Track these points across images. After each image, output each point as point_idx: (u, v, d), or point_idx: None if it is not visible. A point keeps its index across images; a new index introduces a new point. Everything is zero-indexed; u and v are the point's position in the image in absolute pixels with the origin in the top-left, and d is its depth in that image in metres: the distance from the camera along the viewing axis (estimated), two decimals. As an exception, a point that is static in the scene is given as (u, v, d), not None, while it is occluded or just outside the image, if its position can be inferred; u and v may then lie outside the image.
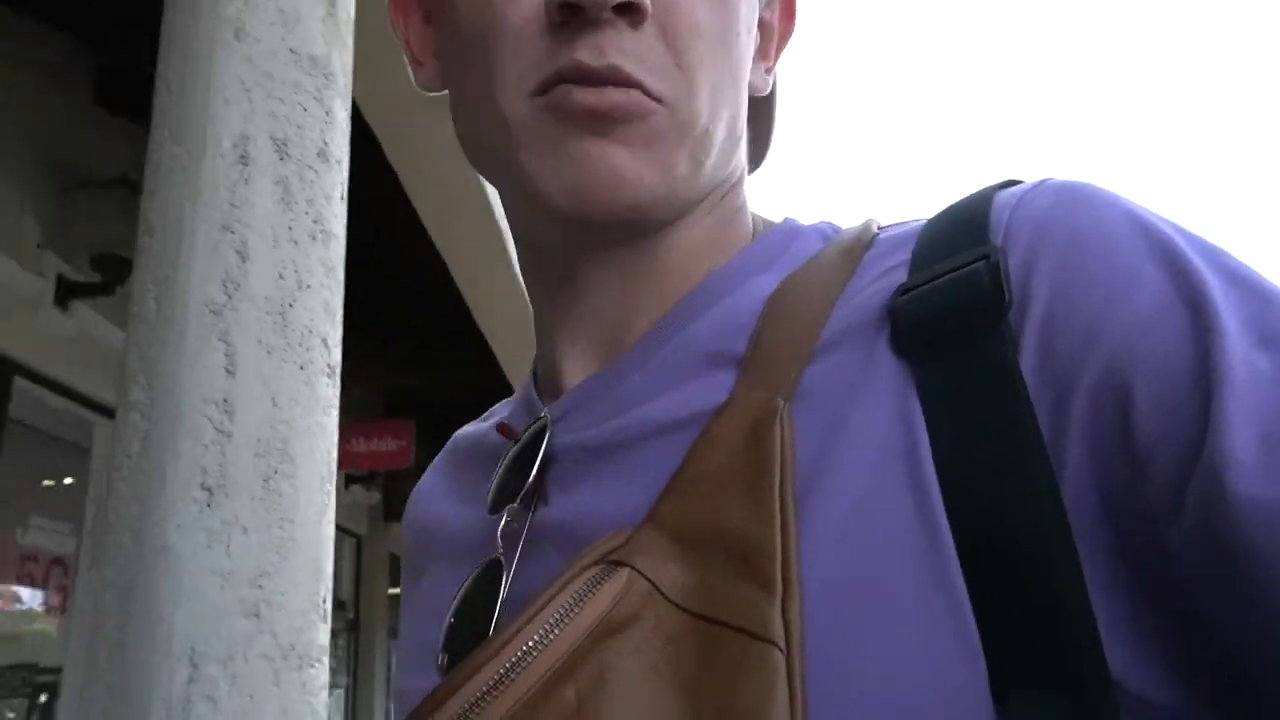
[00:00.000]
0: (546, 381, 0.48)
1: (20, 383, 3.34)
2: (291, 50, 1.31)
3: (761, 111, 0.52)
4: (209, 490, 1.12)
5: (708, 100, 0.41)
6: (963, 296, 0.35)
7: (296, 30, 1.32)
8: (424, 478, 0.56)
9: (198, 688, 1.06)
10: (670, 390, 0.40)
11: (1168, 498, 0.29)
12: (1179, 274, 0.33)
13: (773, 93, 0.51)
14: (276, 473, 1.16)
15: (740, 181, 0.48)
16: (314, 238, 1.27)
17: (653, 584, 0.33)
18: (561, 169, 0.39)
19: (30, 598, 3.54)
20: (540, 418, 0.43)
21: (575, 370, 0.45)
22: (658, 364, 0.42)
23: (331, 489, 1.25)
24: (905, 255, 0.39)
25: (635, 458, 0.39)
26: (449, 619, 0.41)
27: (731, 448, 0.36)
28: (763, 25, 0.49)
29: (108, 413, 3.71)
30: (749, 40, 0.45)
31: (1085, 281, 0.33)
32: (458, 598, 0.42)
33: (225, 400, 1.16)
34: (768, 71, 0.49)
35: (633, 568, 0.34)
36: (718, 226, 0.46)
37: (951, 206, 0.40)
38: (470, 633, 0.40)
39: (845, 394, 0.36)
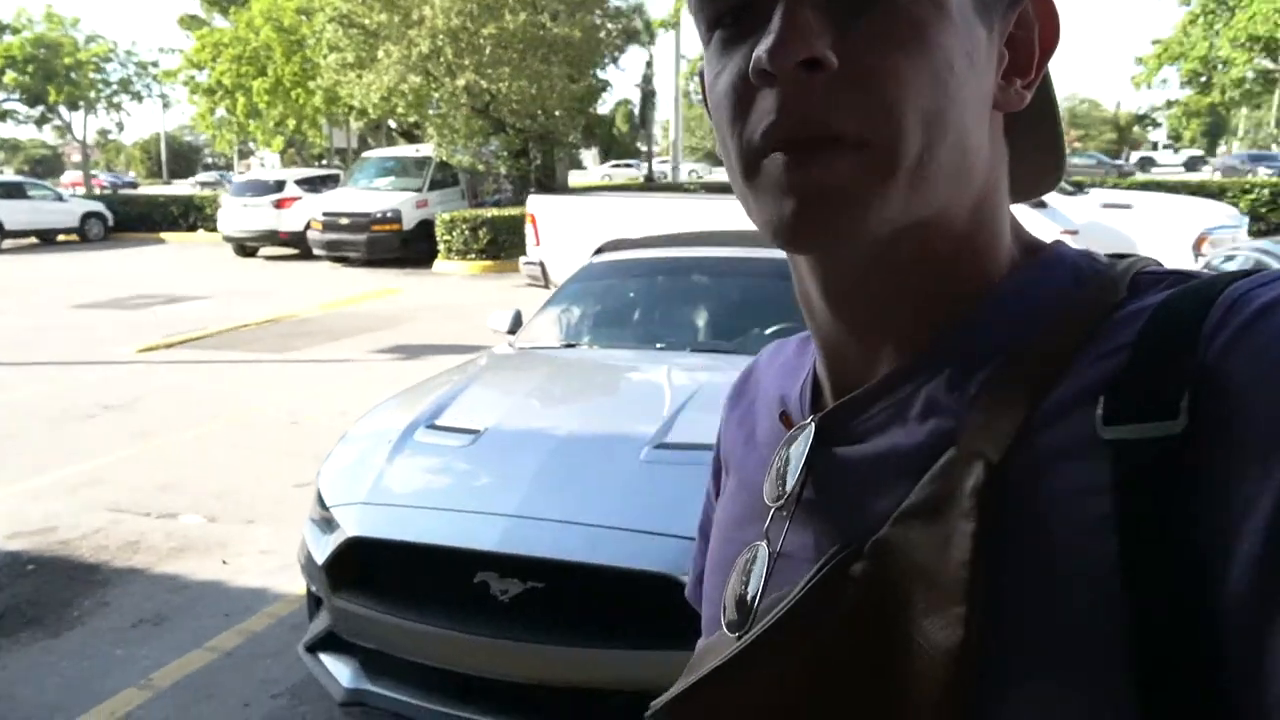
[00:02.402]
0: (827, 371, 0.54)
1: None
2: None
3: (1039, 128, 0.53)
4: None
5: (919, 132, 0.43)
6: (1156, 410, 0.39)
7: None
8: (727, 403, 0.67)
9: None
10: (916, 425, 0.47)
11: None
12: None
13: (1050, 107, 0.53)
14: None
15: (990, 200, 0.49)
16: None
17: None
18: (770, 217, 0.45)
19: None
20: (809, 422, 0.52)
21: (841, 372, 0.52)
22: (905, 398, 0.48)
23: None
24: (1132, 336, 0.42)
25: (879, 479, 0.48)
26: (738, 581, 0.52)
27: (945, 499, 0.43)
28: (1015, 42, 0.49)
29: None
30: (971, 66, 0.45)
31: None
32: (739, 571, 0.52)
33: None
34: (1026, 86, 0.49)
35: (855, 580, 0.45)
36: (969, 245, 0.49)
37: (1182, 294, 0.43)
38: (741, 606, 0.51)
39: (1058, 464, 0.41)
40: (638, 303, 4.58)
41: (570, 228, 6.66)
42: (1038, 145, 0.53)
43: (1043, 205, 7.68)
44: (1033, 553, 0.40)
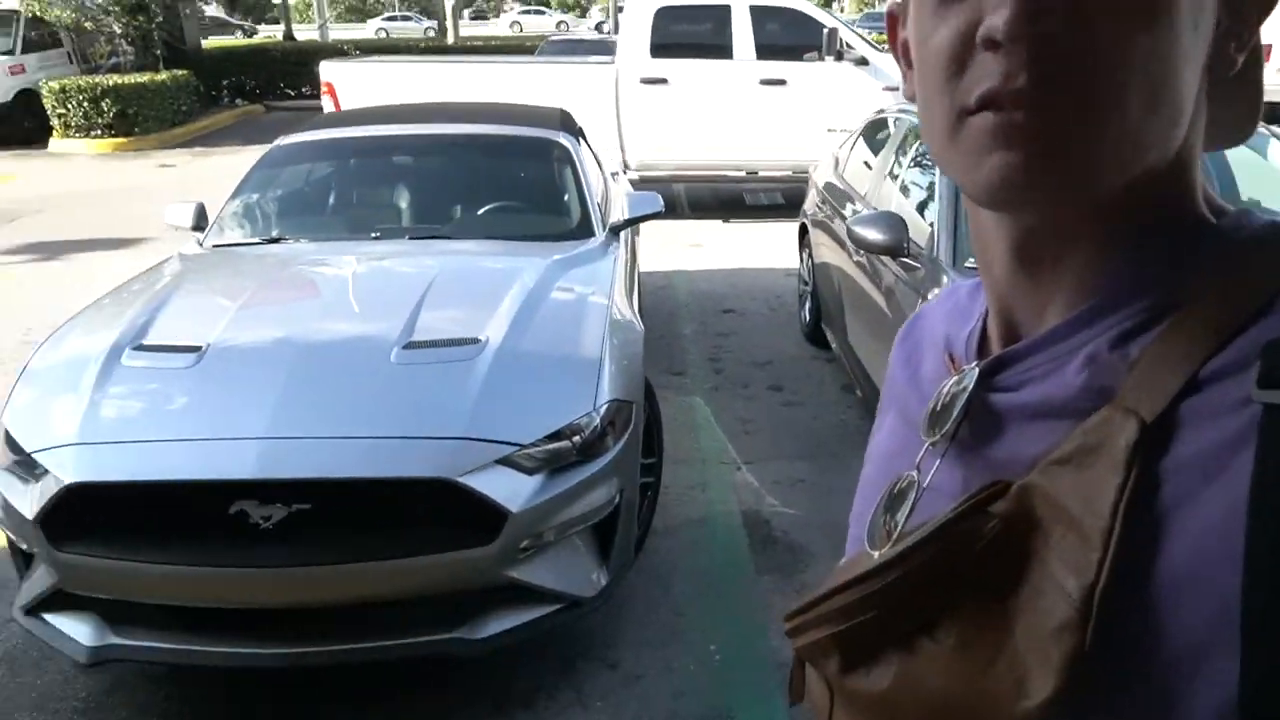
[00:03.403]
0: (997, 319, 0.55)
1: None
2: None
3: (1238, 87, 0.51)
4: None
5: (1140, 100, 0.43)
6: None
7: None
8: (898, 340, 0.69)
9: None
10: (1074, 378, 0.48)
11: None
12: None
13: (1256, 66, 0.52)
14: None
15: (1186, 161, 0.49)
16: None
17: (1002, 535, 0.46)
18: (972, 175, 0.46)
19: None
20: (973, 367, 0.54)
21: (1009, 321, 0.54)
22: (1068, 352, 0.49)
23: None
24: None
25: (1033, 427, 0.50)
26: (885, 505, 0.55)
27: (1095, 450, 0.44)
28: (1233, 6, 0.48)
29: None
30: (1195, 32, 0.45)
31: None
32: (888, 496, 0.56)
33: None
34: (1239, 50, 0.49)
35: (998, 517, 0.47)
36: (1159, 206, 0.49)
37: None
38: (885, 529, 0.54)
39: (1209, 423, 0.43)
40: (339, 188, 4.29)
41: (378, 99, 6.00)
42: (1232, 100, 0.52)
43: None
44: (1173, 507, 0.42)
